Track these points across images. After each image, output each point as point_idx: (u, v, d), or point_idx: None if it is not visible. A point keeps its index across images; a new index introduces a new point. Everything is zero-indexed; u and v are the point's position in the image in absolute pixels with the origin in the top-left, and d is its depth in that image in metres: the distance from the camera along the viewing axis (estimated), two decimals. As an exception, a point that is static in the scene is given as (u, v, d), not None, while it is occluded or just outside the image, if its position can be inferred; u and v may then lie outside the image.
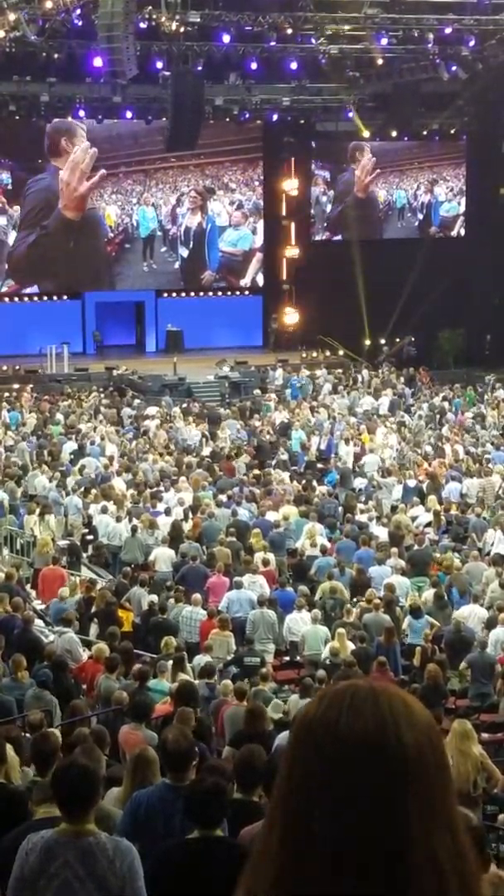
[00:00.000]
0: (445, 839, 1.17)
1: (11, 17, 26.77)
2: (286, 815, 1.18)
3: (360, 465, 24.88)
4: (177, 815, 5.27)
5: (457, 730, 10.13)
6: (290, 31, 29.86)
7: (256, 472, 24.00)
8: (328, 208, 41.81)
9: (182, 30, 28.47)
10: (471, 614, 15.30)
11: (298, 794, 1.17)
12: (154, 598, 15.62)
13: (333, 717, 1.18)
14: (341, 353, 37.60)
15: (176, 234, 39.38)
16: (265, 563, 17.29)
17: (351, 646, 13.97)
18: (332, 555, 18.14)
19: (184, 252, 39.54)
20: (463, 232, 42.55)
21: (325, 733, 1.18)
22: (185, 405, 30.33)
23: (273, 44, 30.65)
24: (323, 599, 15.96)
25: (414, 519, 21.07)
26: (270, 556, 17.70)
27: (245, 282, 40.60)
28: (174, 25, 27.90)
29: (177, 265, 39.59)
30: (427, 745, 1.18)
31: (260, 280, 40.55)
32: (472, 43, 30.77)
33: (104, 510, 19.74)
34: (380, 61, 32.68)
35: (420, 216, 42.67)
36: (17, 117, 34.63)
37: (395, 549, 18.28)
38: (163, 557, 17.90)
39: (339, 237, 41.42)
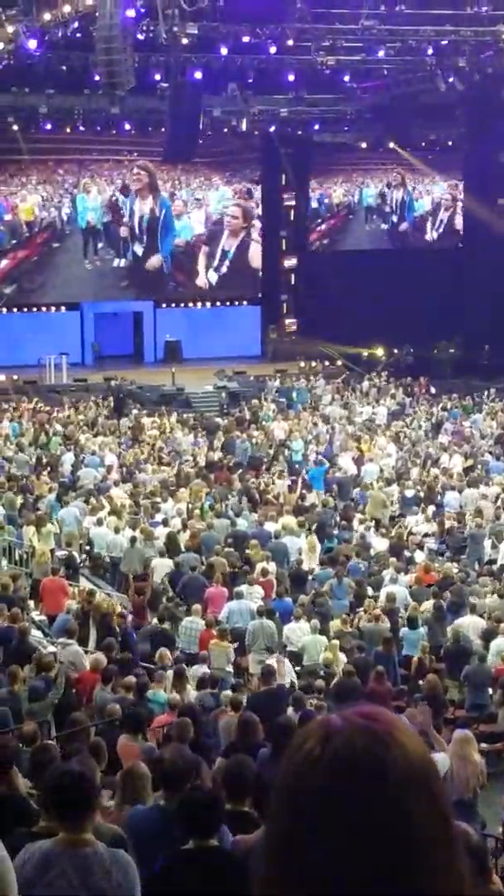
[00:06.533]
0: (444, 863, 1.13)
1: (10, 29, 26.84)
2: (284, 849, 1.14)
3: (355, 476, 24.87)
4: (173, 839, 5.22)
5: (456, 737, 10.14)
6: (288, 42, 29.93)
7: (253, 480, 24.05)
8: (323, 225, 41.93)
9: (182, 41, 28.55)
10: (469, 625, 15.29)
11: (292, 825, 1.14)
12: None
13: (322, 748, 1.15)
14: (340, 362, 37.62)
15: (127, 224, 38.45)
16: (264, 572, 17.28)
17: (343, 657, 13.97)
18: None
19: (137, 249, 38.74)
20: (436, 235, 42.87)
21: (314, 765, 1.14)
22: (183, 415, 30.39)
23: (271, 54, 30.71)
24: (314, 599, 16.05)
25: (413, 528, 21.15)
26: (269, 566, 17.69)
27: (201, 282, 40.00)
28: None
29: (117, 263, 38.75)
30: (420, 771, 1.15)
31: (213, 279, 40.10)
32: (468, 54, 30.84)
33: (99, 522, 19.73)
34: (380, 72, 32.80)
35: (394, 218, 42.76)
36: (16, 128, 34.79)
37: (393, 560, 18.28)
38: (161, 568, 17.89)
39: (336, 248, 41.49)
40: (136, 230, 38.91)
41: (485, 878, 5.05)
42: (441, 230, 43.14)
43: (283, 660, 13.48)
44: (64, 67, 30.69)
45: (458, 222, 43.00)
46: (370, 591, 17.11)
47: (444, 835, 1.15)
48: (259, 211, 40.13)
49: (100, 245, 38.48)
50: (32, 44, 26.52)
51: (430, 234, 43.08)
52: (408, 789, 1.13)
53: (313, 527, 20.25)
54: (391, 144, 39.01)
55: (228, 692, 11.86)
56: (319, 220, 42.11)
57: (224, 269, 40.17)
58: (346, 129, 38.77)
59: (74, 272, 37.93)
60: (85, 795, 4.09)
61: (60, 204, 37.96)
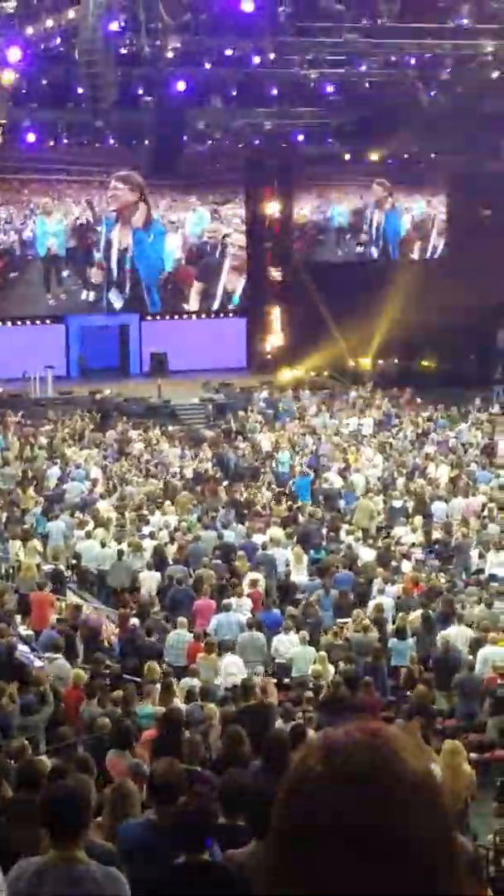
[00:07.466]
0: (446, 877, 1.12)
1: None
2: (286, 864, 1.13)
3: (342, 488, 24.89)
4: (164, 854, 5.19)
5: (446, 747, 10.13)
6: (271, 55, 30.03)
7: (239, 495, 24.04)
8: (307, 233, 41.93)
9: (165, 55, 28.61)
10: (458, 635, 15.29)
11: (295, 840, 1.13)
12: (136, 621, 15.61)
13: (323, 763, 1.14)
14: (326, 373, 37.70)
15: (101, 265, 36.72)
16: (253, 583, 17.26)
17: (331, 669, 13.96)
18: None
19: (115, 300, 36.74)
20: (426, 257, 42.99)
21: (314, 778, 1.13)
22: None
23: (254, 67, 30.79)
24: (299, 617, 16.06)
25: (400, 539, 21.18)
26: (258, 577, 17.67)
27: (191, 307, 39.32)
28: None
29: (85, 296, 37.18)
30: (423, 786, 1.14)
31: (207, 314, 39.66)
32: (451, 67, 31.02)
33: (88, 535, 19.69)
34: (362, 86, 32.94)
35: (374, 251, 42.42)
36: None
37: (380, 570, 18.28)
38: (149, 581, 17.86)
39: (321, 259, 41.55)
40: (115, 271, 37.30)
41: (479, 890, 5.04)
42: (430, 254, 42.96)
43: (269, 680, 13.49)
44: (44, 82, 30.61)
45: (444, 234, 43.07)
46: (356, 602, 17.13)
47: (446, 848, 1.14)
48: (244, 227, 40.09)
49: (64, 274, 36.91)
50: (15, 56, 26.51)
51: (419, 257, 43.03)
52: (410, 803, 1.12)
53: (295, 538, 20.25)
54: (373, 157, 39.10)
55: (212, 705, 11.83)
56: (304, 233, 42.08)
57: (229, 315, 39.37)
58: (329, 141, 38.86)
59: (33, 308, 36.48)
60: (76, 813, 4.07)
61: (23, 226, 36.30)
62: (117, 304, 37.78)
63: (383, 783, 1.12)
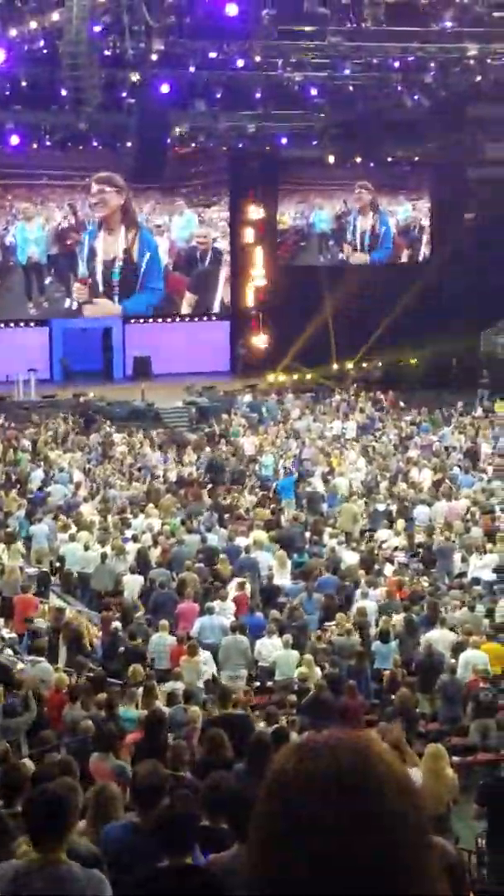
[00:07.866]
0: (424, 880, 1.13)
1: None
2: (266, 866, 1.13)
3: (326, 491, 24.91)
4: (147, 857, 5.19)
5: (429, 751, 10.15)
6: (255, 58, 30.07)
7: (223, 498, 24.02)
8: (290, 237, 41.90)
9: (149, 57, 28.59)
10: (440, 638, 15.31)
11: (273, 845, 1.13)
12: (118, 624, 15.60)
13: (305, 765, 1.14)
14: (309, 377, 37.74)
15: (84, 279, 36.14)
16: (241, 586, 17.25)
17: (318, 672, 13.96)
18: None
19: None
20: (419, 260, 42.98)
21: (296, 781, 1.13)
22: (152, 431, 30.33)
23: (238, 70, 30.80)
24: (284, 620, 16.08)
25: (383, 542, 21.20)
26: (245, 581, 17.67)
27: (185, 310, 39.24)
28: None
29: (68, 304, 36.59)
30: (404, 789, 1.14)
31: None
32: (434, 70, 31.12)
33: (72, 538, 19.66)
34: (346, 89, 33.00)
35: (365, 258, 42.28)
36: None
37: (363, 573, 18.30)
38: (132, 584, 17.84)
39: (305, 263, 41.56)
40: (100, 285, 36.96)
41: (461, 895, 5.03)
42: (415, 258, 42.87)
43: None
44: (24, 83, 30.48)
45: (428, 238, 43.10)
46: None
47: (426, 851, 1.14)
48: (227, 227, 40.08)
49: (46, 282, 36.42)
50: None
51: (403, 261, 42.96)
52: (390, 806, 1.13)
53: (278, 542, 20.26)
54: (357, 160, 39.13)
55: (196, 708, 11.81)
56: (288, 236, 42.03)
57: (213, 318, 38.96)
58: (314, 143, 38.90)
59: (15, 314, 35.91)
60: (58, 817, 4.06)
61: (5, 231, 35.85)
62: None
63: (364, 785, 1.13)
